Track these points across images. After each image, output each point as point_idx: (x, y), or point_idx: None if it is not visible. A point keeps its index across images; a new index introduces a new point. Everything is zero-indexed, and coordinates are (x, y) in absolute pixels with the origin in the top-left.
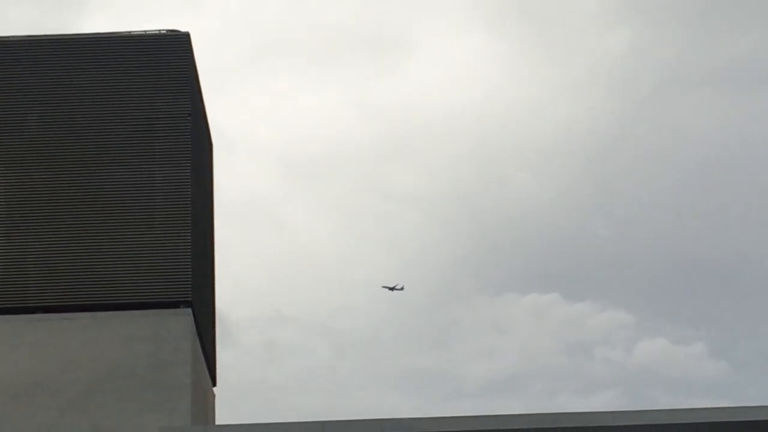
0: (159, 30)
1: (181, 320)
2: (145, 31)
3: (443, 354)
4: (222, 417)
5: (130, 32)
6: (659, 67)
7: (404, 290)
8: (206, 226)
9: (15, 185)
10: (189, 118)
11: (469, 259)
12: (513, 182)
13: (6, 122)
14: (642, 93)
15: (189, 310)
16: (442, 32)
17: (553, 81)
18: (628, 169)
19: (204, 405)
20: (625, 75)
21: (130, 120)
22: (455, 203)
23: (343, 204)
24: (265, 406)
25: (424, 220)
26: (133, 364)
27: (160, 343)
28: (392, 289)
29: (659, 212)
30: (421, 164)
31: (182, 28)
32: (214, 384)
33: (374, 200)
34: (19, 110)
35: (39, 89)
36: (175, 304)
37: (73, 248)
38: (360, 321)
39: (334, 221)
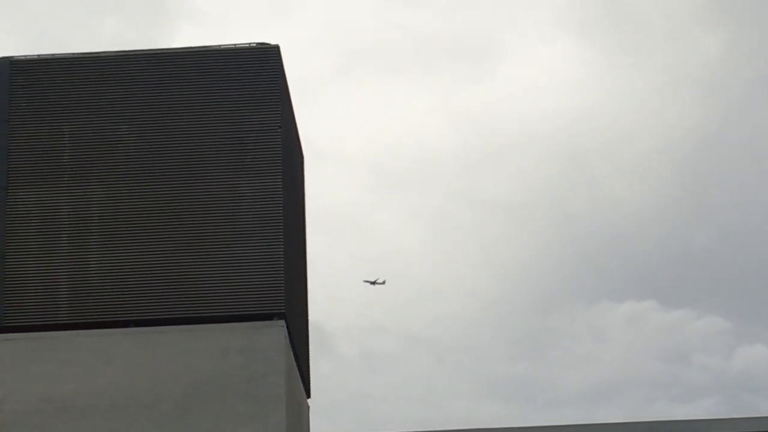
0: (248, 43)
1: (275, 332)
2: (234, 44)
3: (540, 362)
4: (317, 428)
5: (220, 46)
6: (753, 69)
7: (386, 284)
8: (298, 238)
9: (108, 199)
10: (279, 130)
11: (563, 266)
12: (606, 188)
13: (99, 137)
14: (736, 96)
15: (282, 322)
16: (530, 38)
17: (645, 85)
18: (722, 173)
19: (298, 417)
20: (719, 78)
21: (221, 134)
22: (547, 209)
23: (435, 212)
24: (361, 416)
25: (516, 227)
26: (226, 376)
27: (254, 355)
28: (373, 283)
29: (756, 216)
30: (512, 171)
31: (271, 40)
32: (308, 395)
33: (466, 208)
34: (112, 125)
35: (131, 104)
36: (268, 316)
37: (165, 262)
38: (456, 329)
39: (426, 230)
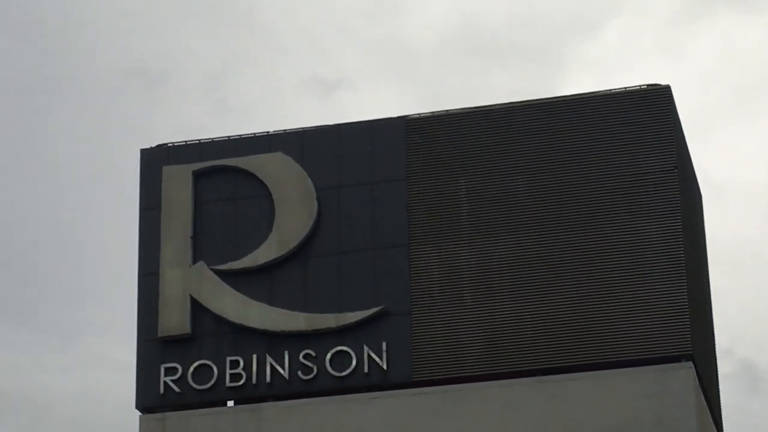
0: (639, 85)
1: (684, 374)
2: (625, 87)
3: None
4: None
5: (610, 90)
6: None
7: None
8: (701, 276)
9: (509, 250)
10: (676, 171)
11: None
12: None
13: (496, 189)
14: None
15: (690, 363)
16: None
17: None
18: None
19: None
20: None
21: (616, 178)
22: None
23: None
24: None
25: None
26: (636, 421)
27: (664, 398)
28: None
29: None
30: None
31: (662, 80)
32: None
33: None
34: (507, 177)
35: (525, 154)
36: (675, 358)
37: (569, 309)
38: None
39: None
